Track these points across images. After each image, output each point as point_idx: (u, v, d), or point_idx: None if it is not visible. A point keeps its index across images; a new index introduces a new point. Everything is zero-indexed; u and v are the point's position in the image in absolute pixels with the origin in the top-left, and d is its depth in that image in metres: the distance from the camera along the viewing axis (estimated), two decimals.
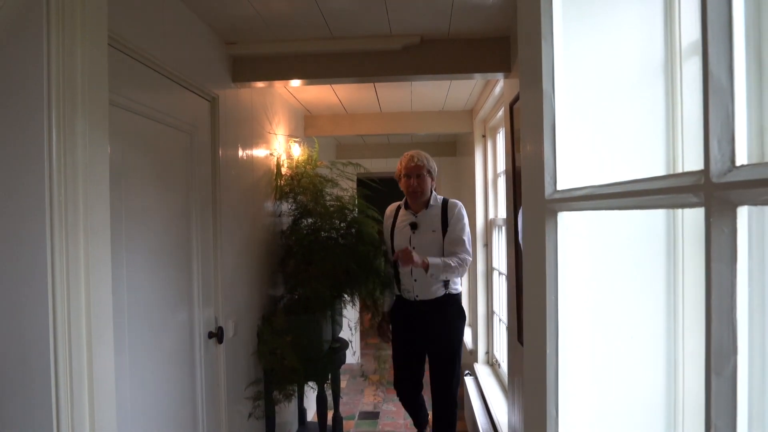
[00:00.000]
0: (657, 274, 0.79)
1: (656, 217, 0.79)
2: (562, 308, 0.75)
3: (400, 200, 2.93)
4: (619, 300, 0.77)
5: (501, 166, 3.70)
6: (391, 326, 2.94)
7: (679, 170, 0.81)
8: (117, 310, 1.59)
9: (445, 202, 2.85)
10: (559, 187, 0.75)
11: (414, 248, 2.60)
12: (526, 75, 0.84)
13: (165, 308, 1.91)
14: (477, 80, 3.30)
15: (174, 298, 1.99)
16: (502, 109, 3.27)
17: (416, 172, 2.73)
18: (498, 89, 3.08)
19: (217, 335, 2.29)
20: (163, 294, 1.90)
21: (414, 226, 2.74)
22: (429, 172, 2.81)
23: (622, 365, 0.78)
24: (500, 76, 2.52)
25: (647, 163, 0.82)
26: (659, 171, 0.82)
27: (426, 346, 2.84)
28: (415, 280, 2.78)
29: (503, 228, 3.59)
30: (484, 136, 3.97)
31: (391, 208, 2.94)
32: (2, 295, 0.99)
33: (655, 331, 0.78)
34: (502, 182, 3.70)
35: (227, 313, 2.41)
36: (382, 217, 3.05)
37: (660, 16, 0.84)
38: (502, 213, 3.72)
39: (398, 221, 2.79)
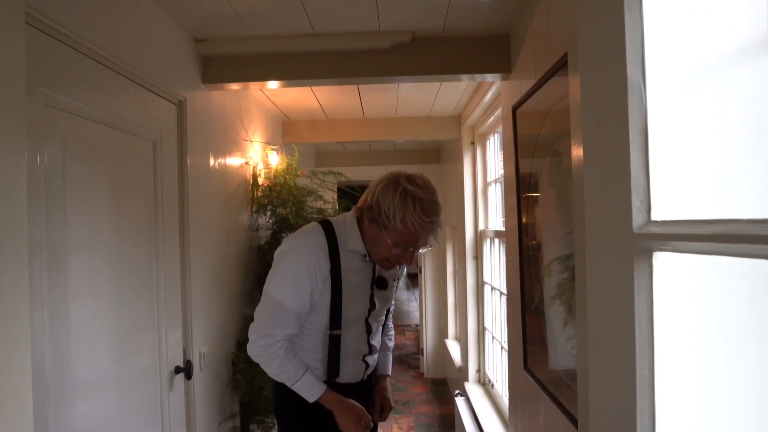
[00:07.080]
0: None
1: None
2: (659, 386, 0.54)
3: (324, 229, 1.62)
4: (734, 375, 0.56)
5: (492, 174, 3.51)
6: None
7: None
8: (57, 352, 1.32)
9: None
10: (654, 217, 0.54)
11: (371, 314, 1.72)
12: (591, 59, 0.62)
13: (122, 343, 1.64)
14: (467, 84, 3.10)
15: (133, 330, 1.71)
16: (494, 114, 3.09)
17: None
18: (490, 94, 2.88)
19: (185, 370, 2.01)
20: (118, 326, 1.62)
21: (381, 284, 1.72)
22: None
23: None
24: (498, 77, 2.32)
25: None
26: None
27: None
28: (370, 343, 1.76)
29: (495, 240, 3.40)
30: (472, 143, 3.78)
31: (319, 249, 1.59)
32: None
33: None
34: (492, 191, 3.50)
35: (198, 343, 2.14)
36: None
37: None
38: (493, 224, 3.53)
39: (349, 272, 1.62)
